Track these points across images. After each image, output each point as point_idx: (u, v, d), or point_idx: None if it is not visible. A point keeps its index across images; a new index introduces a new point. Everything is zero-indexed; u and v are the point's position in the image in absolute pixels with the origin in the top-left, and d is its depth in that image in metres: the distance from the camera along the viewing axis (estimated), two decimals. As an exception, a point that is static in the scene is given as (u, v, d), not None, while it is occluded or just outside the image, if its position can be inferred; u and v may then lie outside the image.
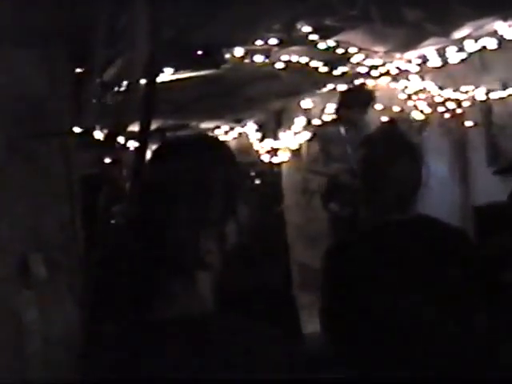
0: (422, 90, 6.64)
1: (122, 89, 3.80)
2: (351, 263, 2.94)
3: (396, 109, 6.82)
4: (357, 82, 6.84)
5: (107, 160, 5.63)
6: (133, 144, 4.64)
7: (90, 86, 2.62)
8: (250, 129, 8.88)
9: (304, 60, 6.08)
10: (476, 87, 6.29)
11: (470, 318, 2.82)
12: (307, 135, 6.50)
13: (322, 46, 5.70)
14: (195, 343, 1.55)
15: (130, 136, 3.27)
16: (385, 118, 6.63)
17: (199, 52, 5.46)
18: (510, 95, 6.04)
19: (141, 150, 2.34)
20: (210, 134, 8.16)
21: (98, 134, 4.27)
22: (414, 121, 6.67)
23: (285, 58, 6.02)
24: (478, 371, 2.49)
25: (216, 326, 1.59)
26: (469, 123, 6.54)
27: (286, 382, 1.55)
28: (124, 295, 1.64)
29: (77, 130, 2.52)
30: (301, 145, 6.60)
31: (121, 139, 4.21)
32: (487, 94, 6.23)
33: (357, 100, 6.25)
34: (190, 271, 1.62)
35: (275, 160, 8.62)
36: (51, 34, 2.43)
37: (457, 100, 6.49)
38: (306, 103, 7.62)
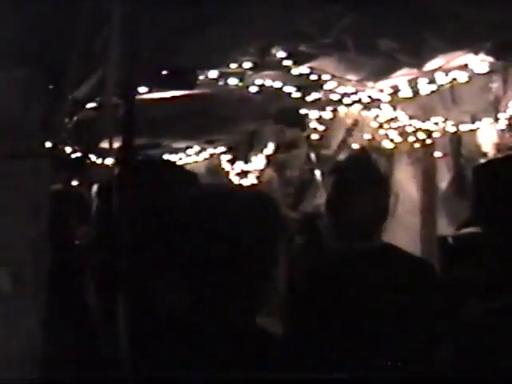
0: (393, 120, 6.71)
1: (95, 107, 3.80)
2: (317, 289, 2.96)
3: (367, 137, 6.89)
4: (329, 108, 6.90)
5: (78, 178, 5.64)
6: (105, 162, 4.66)
7: (63, 104, 2.64)
8: (222, 150, 8.91)
9: (278, 85, 6.13)
10: (446, 119, 6.37)
11: (432, 348, 2.85)
12: (277, 159, 6.54)
13: (295, 71, 5.75)
14: None
15: (102, 154, 3.28)
16: (355, 146, 6.69)
17: (173, 73, 5.48)
18: (478, 128, 6.13)
19: (123, 168, 2.36)
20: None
21: (70, 152, 4.27)
22: (385, 150, 6.74)
23: (259, 81, 6.06)
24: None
25: None
26: (438, 154, 6.62)
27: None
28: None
29: (48, 147, 2.54)
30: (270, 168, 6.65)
31: (92, 157, 4.23)
32: (457, 125, 6.31)
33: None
34: None
35: (245, 182, 8.64)
36: (25, 53, 2.45)
37: (427, 130, 6.57)
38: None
